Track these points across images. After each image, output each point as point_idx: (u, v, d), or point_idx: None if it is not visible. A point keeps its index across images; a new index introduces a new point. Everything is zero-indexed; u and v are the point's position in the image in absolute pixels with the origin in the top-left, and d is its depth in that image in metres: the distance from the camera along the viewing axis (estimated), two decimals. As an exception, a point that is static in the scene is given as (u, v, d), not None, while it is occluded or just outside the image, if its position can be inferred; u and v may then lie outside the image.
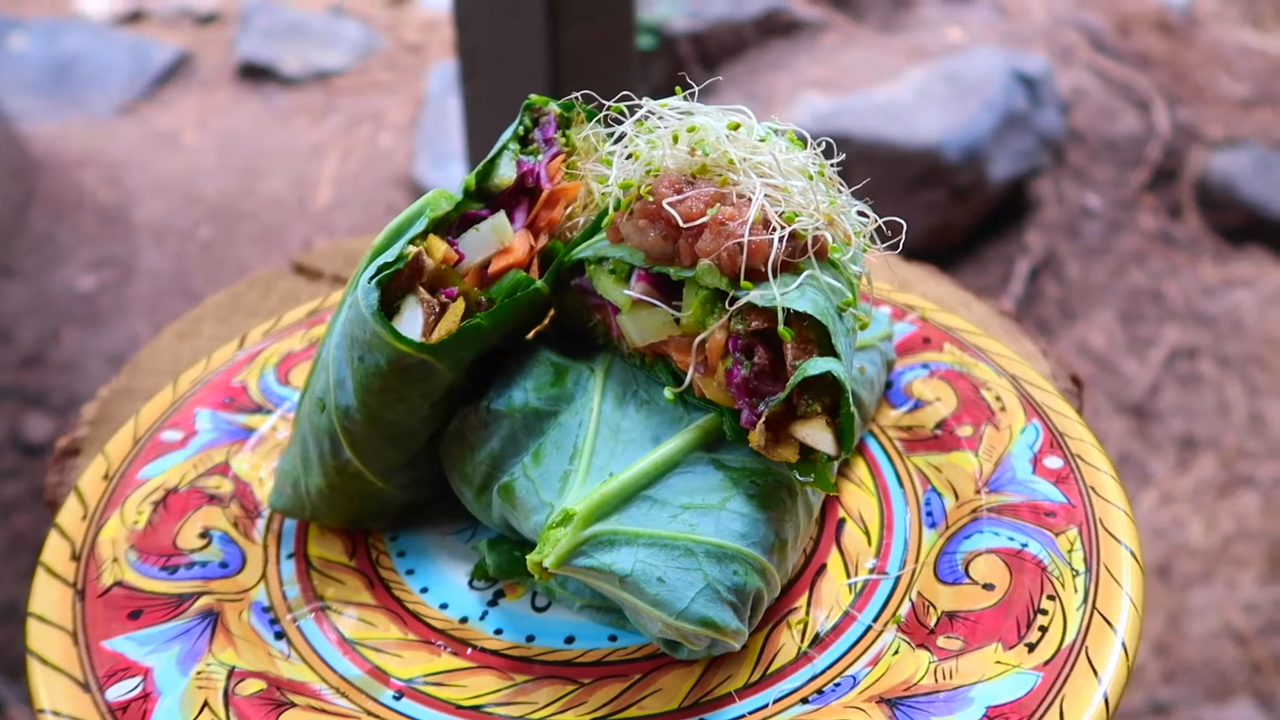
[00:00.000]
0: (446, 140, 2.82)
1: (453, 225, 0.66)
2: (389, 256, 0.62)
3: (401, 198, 2.76)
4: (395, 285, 0.62)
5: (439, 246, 0.64)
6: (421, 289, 0.63)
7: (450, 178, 2.65)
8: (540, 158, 0.69)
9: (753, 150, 0.62)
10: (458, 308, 0.63)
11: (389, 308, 0.62)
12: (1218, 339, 2.48)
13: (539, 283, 0.66)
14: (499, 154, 0.68)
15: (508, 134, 0.69)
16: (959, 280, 1.03)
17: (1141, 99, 3.00)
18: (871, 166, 2.60)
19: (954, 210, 2.63)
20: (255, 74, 3.20)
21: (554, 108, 0.71)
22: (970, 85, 2.74)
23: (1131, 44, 3.19)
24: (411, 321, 0.62)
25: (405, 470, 0.69)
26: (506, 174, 0.68)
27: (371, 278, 0.61)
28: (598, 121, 0.71)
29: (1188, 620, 1.90)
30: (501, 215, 0.67)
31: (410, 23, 3.45)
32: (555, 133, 0.70)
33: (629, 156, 0.65)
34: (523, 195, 0.69)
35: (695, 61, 2.98)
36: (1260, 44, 3.23)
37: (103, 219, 2.67)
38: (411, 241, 0.63)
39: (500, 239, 0.66)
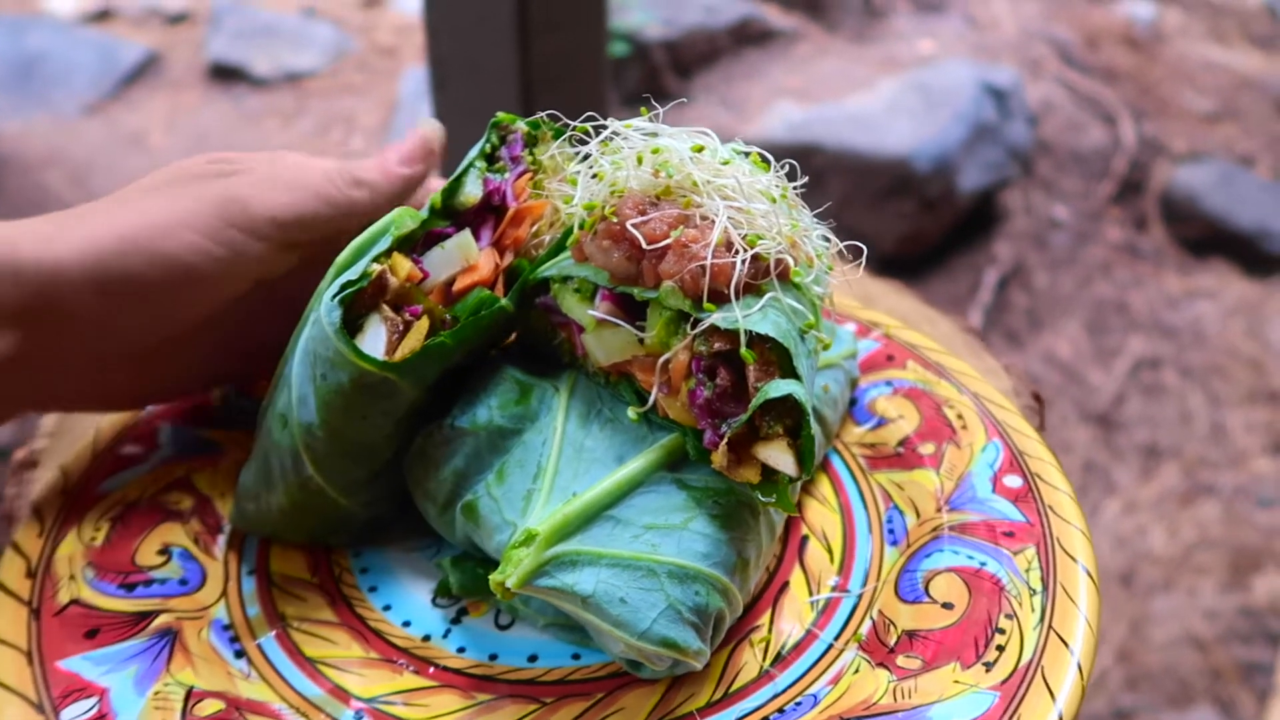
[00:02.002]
0: (418, 145, 2.80)
1: (418, 243, 0.66)
2: (352, 274, 0.62)
3: (372, 202, 2.74)
4: (359, 303, 0.62)
5: (403, 264, 0.64)
6: (385, 307, 0.63)
7: (422, 182, 2.63)
8: (507, 176, 0.69)
9: (716, 173, 0.63)
10: (421, 326, 0.63)
11: (352, 325, 0.62)
12: (1180, 349, 2.52)
13: (504, 301, 0.66)
14: (465, 172, 0.68)
15: (474, 152, 0.69)
16: (925, 293, 1.04)
17: (1108, 112, 3.04)
18: (842, 176, 2.61)
19: (923, 220, 2.65)
20: (225, 75, 3.17)
21: (521, 126, 0.71)
22: (941, 96, 2.77)
23: (1099, 58, 3.23)
24: (375, 340, 0.62)
25: (368, 487, 0.69)
26: (472, 192, 0.68)
27: (334, 295, 0.61)
28: (564, 140, 0.71)
29: (1149, 627, 1.93)
30: (467, 233, 0.66)
31: (383, 26, 3.43)
32: (522, 151, 0.70)
33: (594, 176, 0.66)
34: (488, 213, 0.69)
35: (669, 69, 2.99)
36: (1224, 59, 3.28)
37: (68, 220, 2.63)
38: (376, 259, 0.63)
39: (465, 257, 0.66)
